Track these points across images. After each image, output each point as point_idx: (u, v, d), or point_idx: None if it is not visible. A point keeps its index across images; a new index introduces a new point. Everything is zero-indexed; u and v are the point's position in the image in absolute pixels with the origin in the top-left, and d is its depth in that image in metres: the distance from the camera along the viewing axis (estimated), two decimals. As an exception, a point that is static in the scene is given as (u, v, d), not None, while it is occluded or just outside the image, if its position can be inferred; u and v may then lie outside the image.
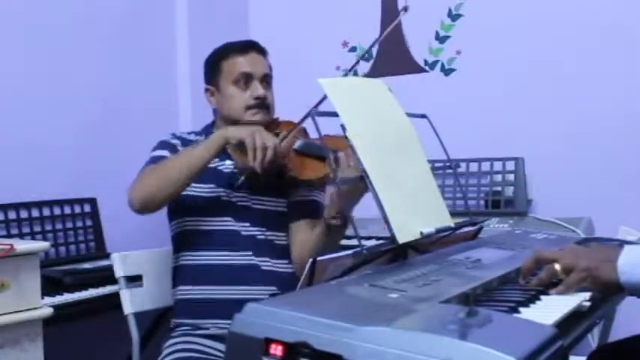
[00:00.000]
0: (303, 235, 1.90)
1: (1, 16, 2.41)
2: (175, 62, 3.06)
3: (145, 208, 1.82)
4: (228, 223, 1.87)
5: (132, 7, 2.86)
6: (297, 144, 1.89)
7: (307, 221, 1.91)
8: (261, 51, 1.98)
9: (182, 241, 1.91)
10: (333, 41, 3.09)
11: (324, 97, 1.48)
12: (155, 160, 1.89)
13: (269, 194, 1.90)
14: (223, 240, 1.86)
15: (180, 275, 1.92)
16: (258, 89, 1.91)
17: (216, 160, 1.92)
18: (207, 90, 1.99)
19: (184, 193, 1.87)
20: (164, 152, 1.92)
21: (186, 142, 1.97)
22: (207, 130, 2.01)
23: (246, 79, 1.91)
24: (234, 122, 1.92)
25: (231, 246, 1.85)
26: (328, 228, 1.76)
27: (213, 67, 1.97)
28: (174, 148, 1.94)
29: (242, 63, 1.92)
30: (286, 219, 1.93)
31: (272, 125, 1.96)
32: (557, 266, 1.20)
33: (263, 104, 1.92)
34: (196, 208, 1.87)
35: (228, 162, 1.93)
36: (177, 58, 3.05)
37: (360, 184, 1.59)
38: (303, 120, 1.76)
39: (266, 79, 1.95)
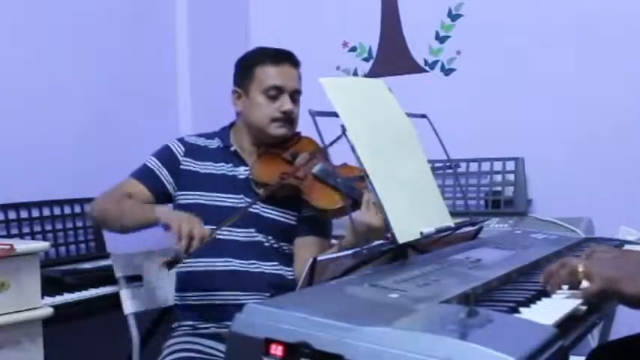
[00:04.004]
0: (308, 253, 1.85)
1: (1, 16, 2.41)
2: (175, 62, 3.06)
3: (95, 223, 2.13)
4: (234, 232, 1.86)
5: (132, 7, 2.86)
6: (317, 169, 1.86)
7: (314, 238, 1.90)
8: (296, 64, 1.96)
9: None
10: (333, 41, 3.09)
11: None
12: (142, 172, 1.94)
13: (281, 206, 1.89)
14: (228, 247, 1.85)
15: (182, 281, 1.92)
16: (286, 103, 1.89)
17: (230, 165, 1.92)
18: (234, 92, 1.97)
19: (195, 202, 1.89)
20: (154, 165, 1.93)
21: (192, 149, 1.96)
22: (224, 133, 1.99)
23: (276, 91, 1.89)
24: (257, 130, 1.91)
25: (235, 253, 1.84)
26: None
27: (246, 71, 1.94)
28: (171, 159, 1.94)
29: (275, 74, 1.90)
30: (294, 232, 1.92)
31: (292, 140, 1.95)
32: (580, 268, 1.16)
33: (289, 118, 1.91)
34: (207, 216, 1.83)
35: (242, 168, 1.92)
36: (177, 58, 3.05)
37: (379, 228, 1.57)
38: (330, 145, 1.51)
39: (295, 94, 1.93)
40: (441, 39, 2.88)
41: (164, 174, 1.93)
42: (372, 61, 3.05)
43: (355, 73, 3.05)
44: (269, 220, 1.89)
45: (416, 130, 1.58)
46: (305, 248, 1.89)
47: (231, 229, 1.84)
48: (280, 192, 1.82)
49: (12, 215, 2.36)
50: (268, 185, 1.81)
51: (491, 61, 2.75)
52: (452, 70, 2.87)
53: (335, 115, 1.38)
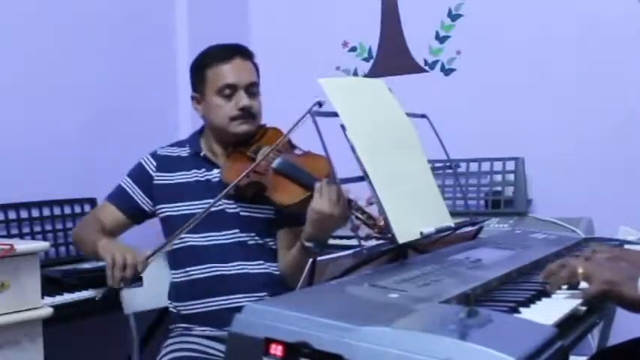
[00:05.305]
0: (287, 244, 1.88)
1: (1, 15, 2.41)
2: (175, 62, 3.05)
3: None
4: (216, 236, 1.86)
5: (132, 7, 2.86)
6: (276, 162, 1.84)
7: (293, 228, 1.88)
8: (246, 55, 1.94)
9: (175, 259, 1.90)
10: (333, 41, 3.09)
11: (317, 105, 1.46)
12: (115, 194, 1.98)
13: (257, 201, 1.88)
14: (211, 252, 1.85)
15: (175, 291, 1.92)
16: (242, 99, 1.88)
17: (203, 171, 1.92)
18: (193, 98, 1.97)
19: (172, 213, 1.90)
20: (127, 185, 1.97)
21: (163, 162, 1.96)
22: (194, 139, 1.99)
23: (230, 89, 1.88)
24: (220, 131, 1.91)
25: (219, 257, 1.84)
26: (304, 249, 1.72)
27: (198, 75, 1.94)
28: (144, 177, 1.95)
29: (226, 73, 1.88)
30: (275, 225, 1.91)
31: (257, 134, 1.94)
32: (580, 269, 1.17)
33: (249, 114, 1.89)
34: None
35: (215, 171, 1.92)
36: (177, 58, 3.05)
37: (337, 217, 1.62)
38: (289, 131, 1.67)
39: (251, 87, 1.91)
40: (441, 39, 2.88)
41: (138, 193, 1.95)
42: (372, 61, 3.05)
43: (355, 73, 3.05)
44: (249, 218, 1.88)
45: (416, 130, 1.58)
46: (287, 240, 1.89)
47: (213, 233, 1.85)
48: (247, 191, 1.82)
49: (12, 215, 2.36)
50: (237, 186, 1.78)
51: (491, 61, 2.75)
52: (452, 70, 2.87)
53: (335, 115, 1.38)
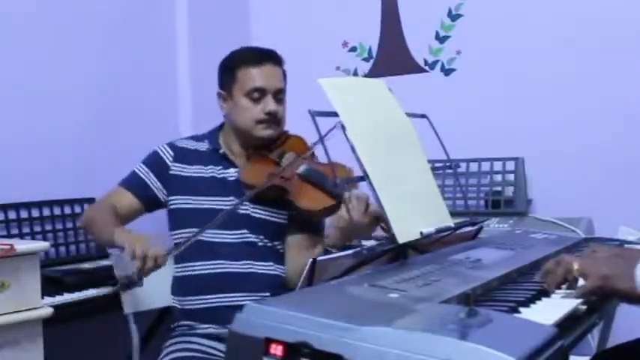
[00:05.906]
0: (298, 252, 1.88)
1: (1, 15, 2.41)
2: (175, 62, 3.06)
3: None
4: (225, 234, 1.86)
5: (132, 7, 2.86)
6: (302, 169, 1.85)
7: (304, 237, 1.89)
8: (278, 62, 1.95)
9: (181, 253, 1.90)
10: (333, 41, 3.09)
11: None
12: (130, 180, 1.95)
13: (271, 205, 1.88)
14: (219, 249, 1.85)
15: (178, 285, 1.92)
16: (270, 104, 1.89)
17: (220, 168, 1.92)
18: (219, 95, 1.97)
19: (185, 206, 1.89)
20: (143, 172, 1.94)
21: (181, 154, 1.96)
22: (213, 136, 1.99)
23: (259, 92, 1.89)
24: (244, 132, 1.91)
25: (227, 255, 1.84)
26: (326, 253, 1.72)
27: (228, 74, 1.94)
28: (160, 165, 1.94)
29: (256, 76, 1.89)
30: (285, 231, 1.92)
31: (280, 139, 1.95)
32: (575, 266, 1.18)
33: (274, 119, 1.90)
34: (198, 220, 1.81)
35: (232, 170, 1.92)
36: (177, 58, 3.06)
37: (364, 225, 1.63)
38: (315, 144, 1.67)
39: (279, 94, 1.92)
40: (441, 39, 2.88)
41: (153, 181, 1.94)
42: (372, 61, 3.05)
43: (355, 73, 3.05)
44: (259, 220, 1.88)
45: (416, 130, 1.58)
46: (295, 247, 1.89)
47: (221, 231, 1.84)
48: (268, 193, 1.81)
49: (12, 215, 2.36)
50: (255, 187, 1.79)
51: (491, 61, 2.75)
52: (452, 70, 2.87)
53: (335, 115, 1.38)
